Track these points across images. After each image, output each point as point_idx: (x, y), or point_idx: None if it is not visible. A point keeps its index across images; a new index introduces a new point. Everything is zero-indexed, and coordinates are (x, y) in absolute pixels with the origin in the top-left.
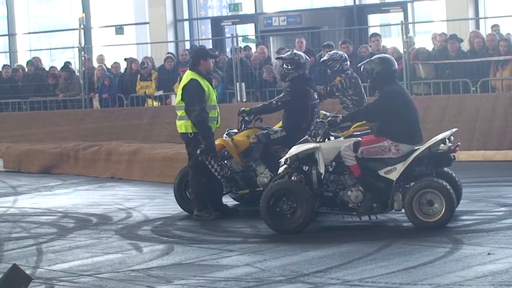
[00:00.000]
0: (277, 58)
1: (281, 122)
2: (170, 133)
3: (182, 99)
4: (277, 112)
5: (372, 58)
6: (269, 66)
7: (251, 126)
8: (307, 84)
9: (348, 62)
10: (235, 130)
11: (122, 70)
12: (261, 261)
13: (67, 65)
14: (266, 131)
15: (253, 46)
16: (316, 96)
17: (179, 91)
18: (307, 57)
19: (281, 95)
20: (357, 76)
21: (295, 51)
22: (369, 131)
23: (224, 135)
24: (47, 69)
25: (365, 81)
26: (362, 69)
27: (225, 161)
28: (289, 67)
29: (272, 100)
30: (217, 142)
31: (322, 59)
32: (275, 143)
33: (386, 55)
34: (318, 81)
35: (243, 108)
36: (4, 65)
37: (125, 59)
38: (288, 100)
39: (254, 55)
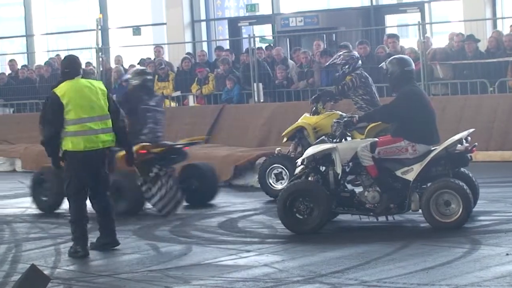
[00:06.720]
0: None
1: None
2: (188, 134)
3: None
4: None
5: (389, 59)
6: (281, 67)
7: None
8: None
9: (360, 62)
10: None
11: None
12: (279, 262)
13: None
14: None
15: (263, 46)
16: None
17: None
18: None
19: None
20: (367, 75)
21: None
22: None
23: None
24: None
25: (382, 81)
26: (384, 69)
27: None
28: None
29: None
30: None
31: (331, 60)
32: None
33: (403, 55)
34: (331, 82)
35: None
36: (22, 66)
37: (139, 63)
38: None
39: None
